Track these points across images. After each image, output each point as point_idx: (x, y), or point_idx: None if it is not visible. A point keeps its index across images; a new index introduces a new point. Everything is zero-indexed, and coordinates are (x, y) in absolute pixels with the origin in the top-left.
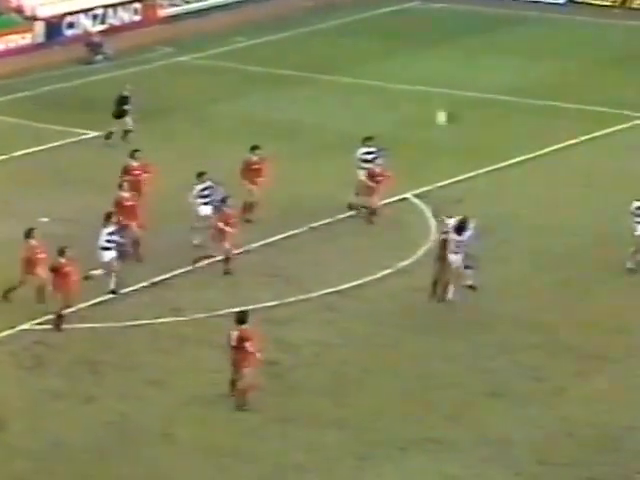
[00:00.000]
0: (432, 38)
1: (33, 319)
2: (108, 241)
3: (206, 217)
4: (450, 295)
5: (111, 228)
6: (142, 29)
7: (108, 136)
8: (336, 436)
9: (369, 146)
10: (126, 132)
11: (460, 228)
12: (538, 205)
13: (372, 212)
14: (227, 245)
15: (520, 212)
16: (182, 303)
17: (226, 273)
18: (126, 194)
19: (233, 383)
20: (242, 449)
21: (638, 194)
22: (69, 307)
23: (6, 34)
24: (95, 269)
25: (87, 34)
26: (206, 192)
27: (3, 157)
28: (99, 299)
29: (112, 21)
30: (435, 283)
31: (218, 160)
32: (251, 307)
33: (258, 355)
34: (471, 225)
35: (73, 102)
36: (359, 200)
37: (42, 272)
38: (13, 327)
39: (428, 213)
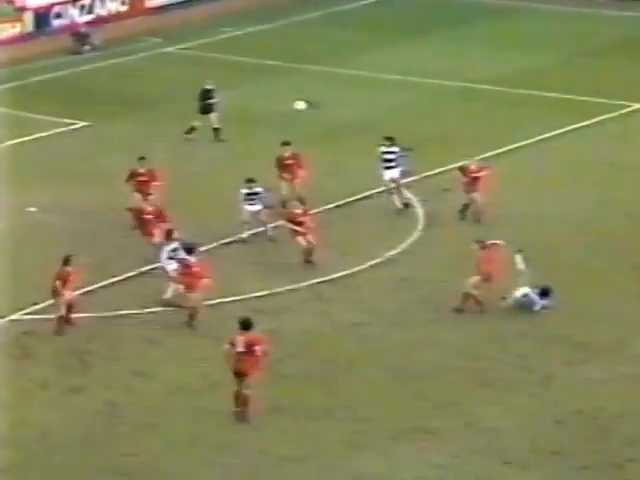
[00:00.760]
0: (417, 28)
1: (21, 310)
2: (171, 258)
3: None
4: None
5: (174, 245)
6: (129, 19)
7: (189, 131)
8: (326, 426)
9: (389, 145)
10: (215, 130)
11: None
12: (524, 194)
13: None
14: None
15: (506, 201)
16: (170, 294)
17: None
18: (148, 207)
19: (239, 396)
20: (230, 439)
21: (623, 183)
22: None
23: None
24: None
25: (74, 24)
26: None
27: None
28: (86, 289)
29: (99, 11)
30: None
31: (203, 151)
32: (240, 297)
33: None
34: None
35: (61, 92)
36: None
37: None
38: (2, 317)
39: (416, 203)
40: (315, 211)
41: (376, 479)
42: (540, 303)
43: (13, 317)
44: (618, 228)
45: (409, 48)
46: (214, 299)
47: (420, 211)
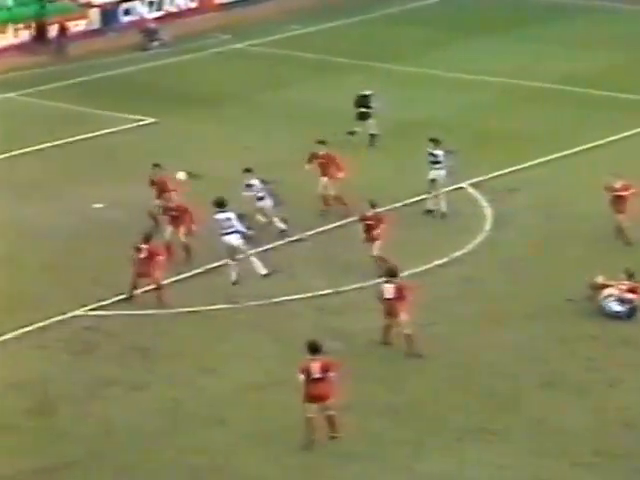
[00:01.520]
0: (487, 27)
1: (85, 305)
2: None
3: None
4: None
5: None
6: (198, 16)
7: (352, 132)
8: (391, 424)
9: (434, 147)
10: (372, 136)
11: None
12: (594, 194)
13: None
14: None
15: (576, 201)
16: (235, 290)
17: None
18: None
19: (314, 421)
20: (295, 437)
21: None
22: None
23: (62, 20)
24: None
25: (143, 20)
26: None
27: (57, 143)
28: (152, 286)
29: (168, 8)
30: None
31: (267, 148)
32: (305, 295)
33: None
34: None
35: (128, 89)
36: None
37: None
38: (64, 313)
39: (484, 202)
40: (383, 209)
41: (441, 479)
42: (619, 310)
43: (77, 313)
44: None
45: (478, 47)
46: (280, 296)
47: (488, 211)
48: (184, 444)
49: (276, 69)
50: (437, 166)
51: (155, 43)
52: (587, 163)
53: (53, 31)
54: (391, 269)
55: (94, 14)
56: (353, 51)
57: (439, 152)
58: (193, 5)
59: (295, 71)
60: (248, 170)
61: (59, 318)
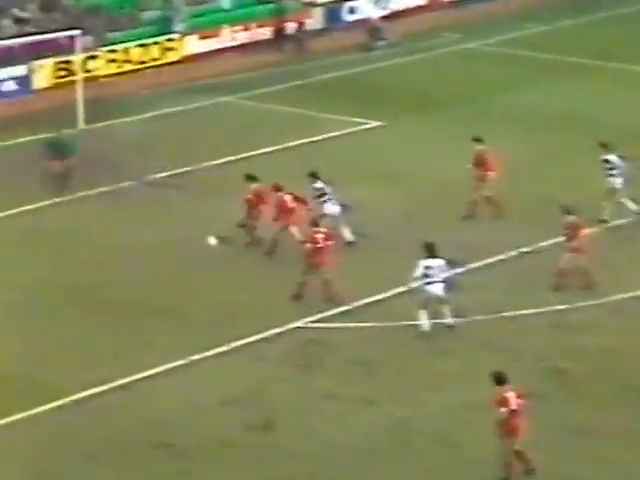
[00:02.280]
0: None
1: (306, 317)
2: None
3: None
4: None
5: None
6: (427, 14)
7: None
8: (626, 450)
9: (604, 153)
10: None
11: None
12: None
13: None
14: None
15: None
16: (462, 303)
17: None
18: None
19: (520, 454)
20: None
21: None
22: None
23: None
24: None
25: (369, 19)
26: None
27: (277, 147)
28: (375, 297)
29: (395, 6)
30: None
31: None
32: (538, 310)
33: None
34: None
35: (352, 90)
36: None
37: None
38: (285, 325)
39: None
40: (619, 222)
41: None
42: None
43: (298, 324)
44: None
45: None
46: (510, 311)
47: None
48: (409, 463)
49: (510, 70)
50: (611, 172)
51: (381, 43)
52: None
53: (288, 30)
54: None
55: (317, 13)
56: (595, 51)
57: (610, 157)
58: (422, 2)
59: (530, 73)
60: None
61: (279, 330)
